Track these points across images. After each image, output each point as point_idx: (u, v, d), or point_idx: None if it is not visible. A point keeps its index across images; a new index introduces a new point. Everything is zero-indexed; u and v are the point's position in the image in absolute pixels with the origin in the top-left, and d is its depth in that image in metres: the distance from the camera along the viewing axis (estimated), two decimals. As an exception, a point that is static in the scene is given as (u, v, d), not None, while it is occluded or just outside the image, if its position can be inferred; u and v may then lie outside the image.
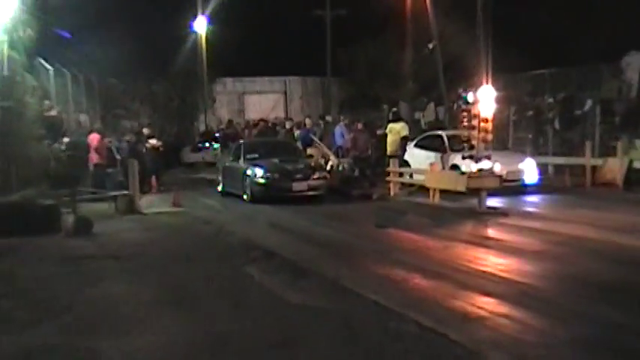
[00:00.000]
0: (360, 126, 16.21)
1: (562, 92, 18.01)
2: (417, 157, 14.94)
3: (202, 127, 29.81)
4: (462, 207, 11.60)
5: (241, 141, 16.21)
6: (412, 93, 23.99)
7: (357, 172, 15.31)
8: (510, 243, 8.42)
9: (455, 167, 13.48)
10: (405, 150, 15.07)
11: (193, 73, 28.86)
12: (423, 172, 13.29)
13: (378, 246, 8.44)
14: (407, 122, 16.65)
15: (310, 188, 13.13)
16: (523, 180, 13.50)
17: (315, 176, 13.29)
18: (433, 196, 12.39)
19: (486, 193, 11.25)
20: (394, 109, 17.34)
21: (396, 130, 15.16)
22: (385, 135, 15.50)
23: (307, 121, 18.33)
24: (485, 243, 8.50)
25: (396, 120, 15.58)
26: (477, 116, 11.38)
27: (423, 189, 12.88)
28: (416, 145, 15.52)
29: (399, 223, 10.24)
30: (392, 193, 13.83)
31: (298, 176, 13.12)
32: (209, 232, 9.90)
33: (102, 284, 6.71)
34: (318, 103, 32.52)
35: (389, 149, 15.09)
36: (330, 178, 14.12)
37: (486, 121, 11.35)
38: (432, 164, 13.19)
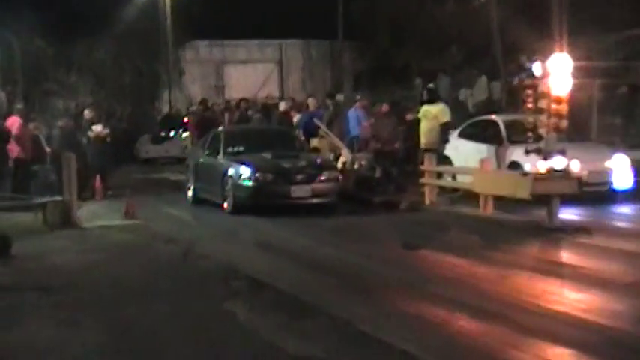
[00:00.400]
0: (385, 108, 16.23)
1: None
2: (463, 152, 14.94)
3: (166, 109, 29.91)
4: (525, 221, 11.59)
5: (220, 128, 16.26)
6: (455, 63, 23.95)
7: (378, 172, 15.31)
8: (593, 271, 8.39)
9: (515, 165, 13.47)
10: (445, 141, 15.08)
11: (153, 35, 28.93)
12: (470, 173, 13.29)
13: (407, 274, 8.45)
14: (448, 103, 16.63)
15: (315, 194, 13.18)
16: (611, 184, 13.46)
17: (321, 177, 13.33)
18: (484, 205, 12.40)
19: (559, 201, 11.24)
20: (430, 85, 17.30)
21: (432, 113, 15.14)
22: (418, 121, 15.49)
23: (310, 101, 18.37)
24: (557, 271, 8.48)
25: (432, 100, 15.56)
26: (546, 95, 11.31)
27: (471, 195, 12.89)
28: (461, 135, 15.51)
29: (437, 243, 10.24)
30: (427, 201, 13.85)
31: (299, 177, 13.18)
32: (174, 254, 9.93)
33: (22, 326, 6.70)
34: (326, 76, 32.55)
35: (423, 140, 15.08)
36: (343, 180, 14.16)
37: (560, 101, 11.27)
38: (482, 161, 13.16)
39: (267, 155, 13.67)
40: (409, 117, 17.47)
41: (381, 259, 9.40)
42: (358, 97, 18.23)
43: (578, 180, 11.50)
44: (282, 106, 19.05)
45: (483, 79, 23.30)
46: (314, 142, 16.42)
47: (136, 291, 7.92)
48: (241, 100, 22.61)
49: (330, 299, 7.35)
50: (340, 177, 14.00)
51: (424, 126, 15.13)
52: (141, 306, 7.31)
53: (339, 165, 15.33)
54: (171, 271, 8.96)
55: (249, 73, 32.41)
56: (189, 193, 15.10)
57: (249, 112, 21.06)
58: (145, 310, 7.15)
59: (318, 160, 14.11)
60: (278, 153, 13.85)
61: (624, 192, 13.50)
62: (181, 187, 15.93)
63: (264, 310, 7.06)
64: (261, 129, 16.78)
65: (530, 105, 11.78)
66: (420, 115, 15.35)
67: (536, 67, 11.47)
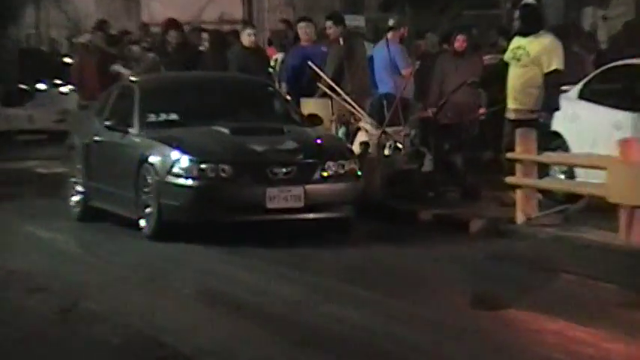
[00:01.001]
0: (459, 42, 16.25)
1: None
2: (587, 126, 15.09)
3: (29, 43, 29.84)
4: None
5: (134, 78, 16.34)
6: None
7: (429, 163, 15.54)
8: None
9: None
10: (553, 107, 15.09)
11: None
12: (601, 165, 13.31)
13: (481, 354, 8.50)
14: (558, 36, 16.58)
15: (312, 203, 13.28)
16: None
17: (325, 172, 13.44)
18: (628, 225, 12.42)
19: None
20: (528, 1, 17.24)
21: (531, 53, 15.07)
22: (503, 67, 15.52)
23: (303, 27, 18.32)
24: None
25: (531, 29, 15.54)
26: None
27: (603, 207, 12.97)
28: (584, 95, 15.64)
29: (539, 297, 10.30)
30: (520, 218, 13.89)
31: (282, 172, 13.28)
32: (46, 312, 9.92)
33: None
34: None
35: (513, 104, 15.04)
36: (365, 176, 14.19)
37: None
38: (625, 143, 13.18)
39: (223, 129, 13.78)
40: (487, 59, 17.43)
41: (432, 325, 9.38)
42: (392, 22, 18.21)
43: None
44: (249, 36, 18.97)
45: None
46: (309, 105, 16.39)
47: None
48: (168, 24, 22.35)
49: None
50: (358, 170, 14.00)
51: (515, 77, 15.10)
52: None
53: (356, 148, 15.43)
54: (40, 342, 8.93)
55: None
56: (75, 200, 15.20)
57: (135, 48, 20.96)
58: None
59: (319, 140, 14.19)
60: (243, 125, 13.98)
61: None
62: (60, 188, 16.00)
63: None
64: (213, 79, 16.68)
65: None
66: (508, 56, 15.33)
67: None
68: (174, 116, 14.26)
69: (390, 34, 17.19)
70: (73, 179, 15.34)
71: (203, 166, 13.15)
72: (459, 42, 16.21)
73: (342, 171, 13.57)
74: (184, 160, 13.21)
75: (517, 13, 16.30)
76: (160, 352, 8.49)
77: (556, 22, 19.85)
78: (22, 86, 26.09)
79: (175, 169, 13.21)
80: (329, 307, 10.12)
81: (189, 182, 13.14)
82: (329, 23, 17.63)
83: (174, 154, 13.30)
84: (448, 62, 16.17)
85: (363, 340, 8.99)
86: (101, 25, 23.39)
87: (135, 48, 20.89)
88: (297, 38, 18.27)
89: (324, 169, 13.44)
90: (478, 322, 9.50)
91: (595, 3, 23.77)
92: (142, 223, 13.50)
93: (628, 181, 12.58)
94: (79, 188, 15.10)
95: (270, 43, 19.79)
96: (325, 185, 13.42)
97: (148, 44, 20.86)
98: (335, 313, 9.91)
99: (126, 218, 13.88)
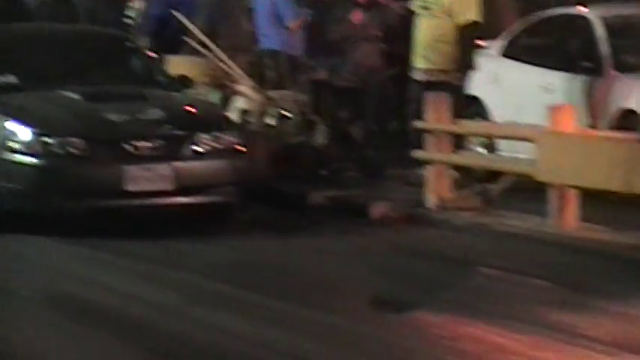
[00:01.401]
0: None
1: None
2: (511, 90, 15.27)
3: None
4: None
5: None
6: None
7: (322, 135, 15.67)
8: None
9: (631, 120, 13.70)
10: (470, 66, 15.25)
11: None
12: (528, 137, 13.40)
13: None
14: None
15: (183, 184, 13.27)
16: None
17: (197, 146, 13.45)
18: (560, 209, 12.60)
19: None
20: None
21: (442, 1, 15.23)
22: (412, 16, 15.60)
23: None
24: None
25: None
26: None
27: (531, 188, 13.13)
28: (508, 53, 15.82)
29: (452, 297, 10.36)
30: (432, 201, 14.03)
31: (145, 147, 13.27)
32: None
33: None
34: None
35: (422, 63, 15.19)
36: (249, 152, 14.21)
37: None
38: (556, 110, 13.31)
39: (72, 95, 13.73)
40: (394, 8, 17.45)
41: (325, 332, 9.38)
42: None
43: None
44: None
45: None
46: (176, 64, 16.34)
47: None
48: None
49: None
50: (239, 144, 13.98)
51: (424, 29, 15.24)
52: None
53: (234, 117, 15.53)
54: None
55: None
56: None
57: None
58: None
59: (189, 107, 14.16)
60: (96, 90, 13.98)
61: None
62: None
63: None
64: (57, 32, 16.50)
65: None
66: (416, 5, 15.43)
67: None
68: (11, 78, 14.13)
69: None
70: None
71: (48, 140, 13.07)
72: None
73: (218, 145, 13.58)
74: (24, 133, 13.12)
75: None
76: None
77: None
78: None
79: (13, 144, 13.13)
80: (200, 311, 10.09)
81: (31, 160, 13.05)
82: None
83: (11, 126, 13.24)
84: (348, 13, 16.10)
85: (239, 350, 8.97)
86: None
87: None
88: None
89: (195, 143, 13.42)
90: (380, 328, 9.49)
91: None
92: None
93: (559, 155, 12.68)
94: None
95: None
96: (198, 163, 13.46)
97: None
98: (207, 318, 9.88)
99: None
